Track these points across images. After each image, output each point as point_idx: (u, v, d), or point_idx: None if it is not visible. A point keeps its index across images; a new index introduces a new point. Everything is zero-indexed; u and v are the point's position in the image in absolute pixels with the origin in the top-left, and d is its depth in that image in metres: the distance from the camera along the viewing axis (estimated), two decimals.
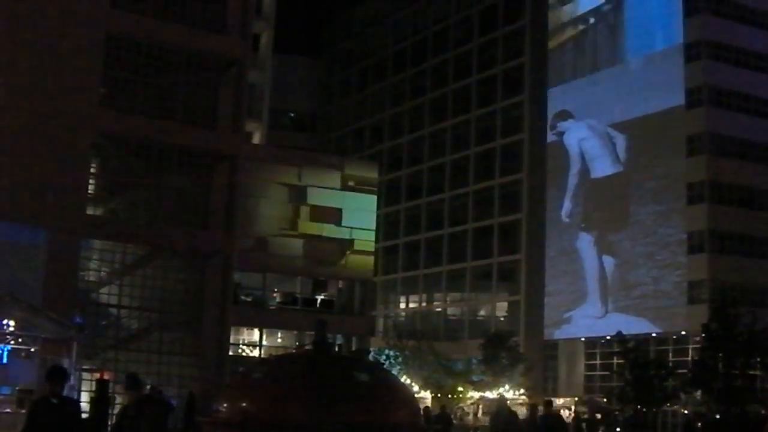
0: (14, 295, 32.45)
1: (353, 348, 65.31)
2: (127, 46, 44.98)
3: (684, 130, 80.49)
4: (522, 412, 50.17)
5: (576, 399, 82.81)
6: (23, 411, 25.80)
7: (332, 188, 65.89)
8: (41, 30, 42.47)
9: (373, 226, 69.07)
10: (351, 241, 66.11)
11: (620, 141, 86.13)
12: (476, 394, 78.38)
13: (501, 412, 31.51)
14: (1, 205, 39.64)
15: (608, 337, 77.24)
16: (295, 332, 65.64)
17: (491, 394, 74.46)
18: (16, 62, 41.73)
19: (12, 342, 32.46)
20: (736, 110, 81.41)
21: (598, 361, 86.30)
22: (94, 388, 37.12)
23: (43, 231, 40.50)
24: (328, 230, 65.42)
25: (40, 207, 40.92)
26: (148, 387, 24.88)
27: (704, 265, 77.77)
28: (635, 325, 78.03)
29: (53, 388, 13.80)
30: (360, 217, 66.77)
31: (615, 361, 72.75)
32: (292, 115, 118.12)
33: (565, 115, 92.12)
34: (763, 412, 59.64)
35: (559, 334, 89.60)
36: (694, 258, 78.20)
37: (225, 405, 13.30)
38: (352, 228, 66.27)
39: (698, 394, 63.79)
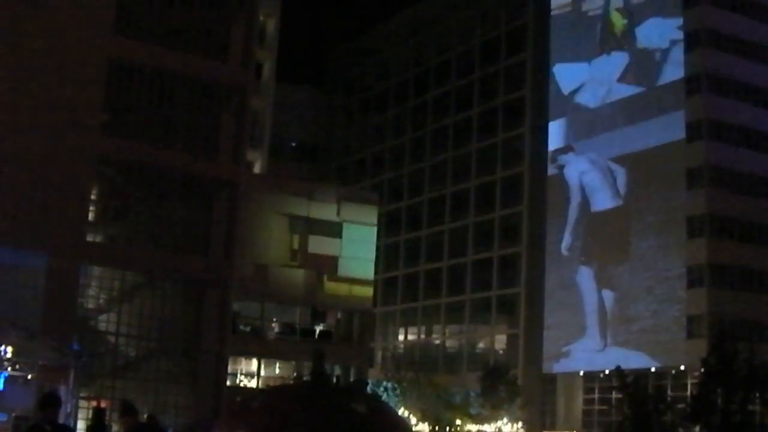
0: (12, 321, 32.39)
1: (351, 379, 65.06)
2: (130, 73, 45.11)
3: (684, 163, 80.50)
4: None
5: None
6: None
7: (332, 218, 65.87)
8: (44, 55, 42.58)
9: (373, 257, 68.96)
10: (349, 273, 65.98)
11: (620, 174, 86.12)
12: (474, 427, 78.02)
13: None
14: (1, 230, 39.60)
15: (607, 371, 76.95)
16: (294, 362, 65.41)
17: (489, 428, 74.14)
18: (18, 87, 41.80)
19: (9, 368, 32.37)
20: (736, 144, 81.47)
21: (596, 395, 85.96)
22: (90, 416, 36.94)
23: (42, 256, 40.46)
24: (328, 260, 65.31)
25: (40, 232, 40.90)
26: (146, 416, 24.75)
27: (704, 299, 77.60)
28: (634, 359, 77.79)
29: (47, 416, 13.69)
30: (360, 247, 66.70)
31: (614, 395, 72.47)
32: (294, 144, 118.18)
33: (565, 148, 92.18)
34: None
35: (557, 367, 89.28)
36: (693, 292, 78.02)
37: None
38: (351, 258, 66.19)
39: (697, 429, 63.45)
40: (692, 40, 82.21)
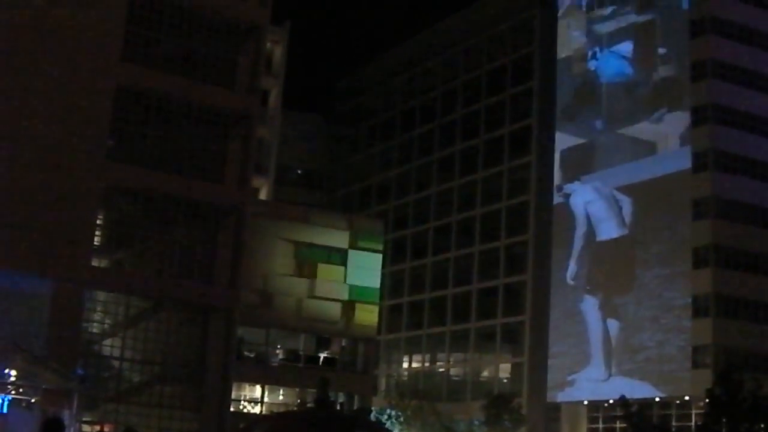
0: (17, 345, 32.44)
1: (355, 406, 64.95)
2: (137, 99, 45.30)
3: (690, 193, 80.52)
4: None
5: None
6: None
7: (338, 246, 65.95)
8: (51, 81, 42.79)
9: (378, 284, 68.97)
10: (355, 301, 66.00)
11: (626, 204, 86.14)
12: None
13: None
14: (8, 254, 39.71)
15: (611, 401, 76.75)
16: (297, 389, 65.34)
17: None
18: (26, 112, 41.99)
19: (13, 392, 32.39)
20: (742, 174, 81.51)
21: (601, 425, 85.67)
22: None
23: (48, 281, 40.54)
24: (333, 287, 65.34)
25: (46, 257, 41.01)
26: None
27: (709, 329, 77.44)
28: (639, 389, 77.60)
29: None
30: (365, 275, 66.74)
31: (618, 425, 72.25)
32: (299, 171, 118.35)
33: (571, 177, 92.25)
34: None
35: (562, 396, 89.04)
36: (698, 322, 77.88)
37: None
38: (356, 286, 66.22)
39: None
40: (698, 71, 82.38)
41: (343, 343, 68.25)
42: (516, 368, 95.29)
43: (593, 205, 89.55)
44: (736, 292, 78.60)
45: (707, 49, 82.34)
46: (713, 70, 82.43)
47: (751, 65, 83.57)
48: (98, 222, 45.10)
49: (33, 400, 32.70)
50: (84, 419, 40.00)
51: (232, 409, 52.83)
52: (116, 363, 46.14)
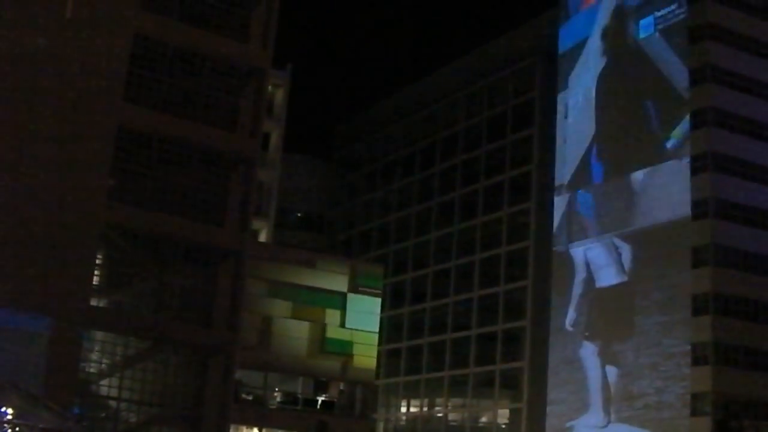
0: (14, 383, 32.38)
1: None
2: (139, 140, 45.53)
3: (690, 241, 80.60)
4: None
5: None
6: None
7: (337, 289, 66.04)
8: (54, 120, 43.01)
9: (377, 328, 68.96)
10: (354, 343, 65.97)
11: (626, 251, 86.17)
12: None
13: None
14: (6, 292, 39.74)
15: None
16: None
17: None
18: (27, 150, 42.18)
19: (9, 431, 32.27)
20: (742, 223, 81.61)
21: None
22: None
23: (46, 319, 40.52)
24: (332, 331, 65.34)
25: (45, 295, 41.02)
26: None
27: (708, 377, 77.24)
28: None
29: None
30: (364, 319, 66.76)
31: None
32: (299, 214, 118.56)
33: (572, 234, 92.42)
34: None
35: None
36: (697, 370, 77.67)
37: None
38: (355, 330, 66.23)
39: None
40: (698, 120, 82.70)
41: (342, 387, 68.17)
42: (514, 414, 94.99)
43: (592, 252, 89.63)
44: (736, 340, 78.47)
45: (708, 97, 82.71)
46: (713, 117, 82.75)
47: (751, 113, 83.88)
48: (98, 261, 45.17)
49: None
50: None
51: None
52: (114, 403, 46.08)
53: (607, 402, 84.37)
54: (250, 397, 63.97)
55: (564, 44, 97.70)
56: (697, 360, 77.98)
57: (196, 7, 48.84)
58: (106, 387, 45.99)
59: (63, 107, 43.56)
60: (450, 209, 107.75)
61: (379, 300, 69.02)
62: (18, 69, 43.11)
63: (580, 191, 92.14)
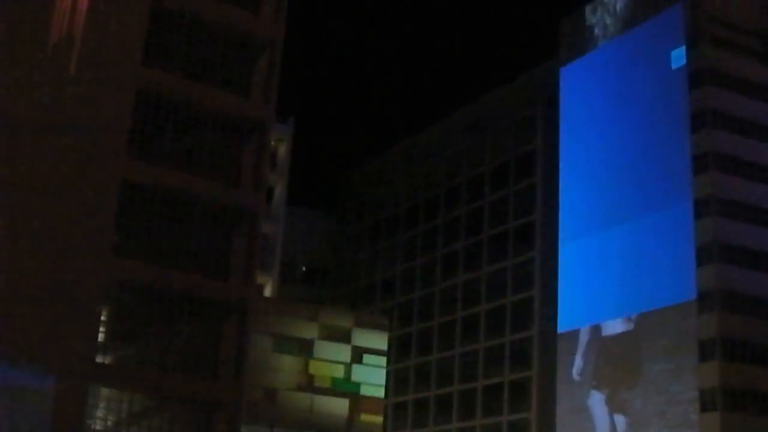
0: None
1: None
2: (142, 194, 45.55)
3: (696, 285, 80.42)
4: None
5: None
6: None
7: (342, 342, 65.86)
8: (56, 175, 43.15)
9: (383, 382, 68.65)
10: (360, 397, 65.66)
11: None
12: None
13: None
14: (10, 349, 39.65)
15: None
16: None
17: None
18: (30, 206, 42.27)
19: None
20: (747, 266, 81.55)
21: None
22: None
23: (50, 376, 40.38)
24: (338, 385, 65.07)
25: (49, 352, 40.92)
26: None
27: (717, 423, 76.85)
28: None
29: None
30: (370, 373, 66.50)
31: None
32: (304, 268, 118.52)
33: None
34: None
35: None
36: (706, 416, 77.29)
37: None
38: (361, 384, 65.97)
39: None
40: (700, 164, 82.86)
41: None
42: None
43: None
44: (744, 386, 78.17)
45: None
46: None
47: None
48: (102, 317, 45.04)
49: None
50: None
51: None
52: None
53: None
54: None
55: (565, 92, 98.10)
56: (706, 406, 77.64)
57: (198, 62, 49.04)
58: None
59: (66, 163, 43.70)
60: (454, 260, 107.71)
61: (384, 355, 68.71)
62: (20, 126, 43.31)
63: (582, 239, 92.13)
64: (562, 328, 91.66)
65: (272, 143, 66.69)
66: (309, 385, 64.32)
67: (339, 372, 65.41)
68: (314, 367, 64.57)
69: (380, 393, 67.64)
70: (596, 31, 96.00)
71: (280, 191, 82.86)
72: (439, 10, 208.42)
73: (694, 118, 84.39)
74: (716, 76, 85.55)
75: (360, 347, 66.35)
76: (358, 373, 65.67)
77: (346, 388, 65.26)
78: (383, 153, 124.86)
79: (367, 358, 66.45)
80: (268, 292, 78.91)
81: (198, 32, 49.10)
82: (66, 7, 44.98)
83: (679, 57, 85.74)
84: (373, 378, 66.66)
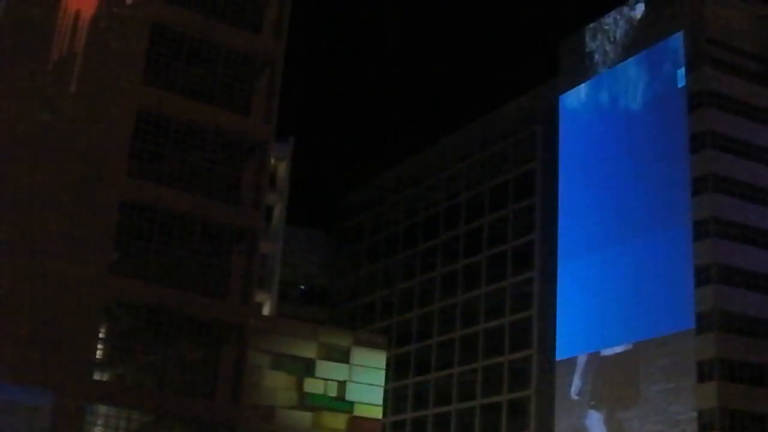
0: None
1: None
2: (141, 214, 45.67)
3: (694, 307, 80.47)
4: None
5: None
6: None
7: (340, 362, 65.80)
8: (55, 194, 43.30)
9: (381, 401, 68.52)
10: (358, 416, 65.59)
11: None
12: None
13: None
14: (8, 367, 39.72)
15: None
16: None
17: None
18: (29, 224, 42.39)
19: None
20: (746, 288, 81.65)
21: None
22: None
23: (49, 394, 40.46)
24: (336, 404, 64.99)
25: (47, 370, 41.00)
26: None
27: None
28: None
29: None
30: (367, 392, 66.41)
31: None
32: (303, 287, 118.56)
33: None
34: None
35: None
36: None
37: None
38: (359, 403, 65.90)
39: None
40: (700, 186, 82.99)
41: None
42: None
43: None
44: (742, 406, 78.13)
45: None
46: (714, 184, 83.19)
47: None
48: (100, 335, 45.11)
49: None
50: None
51: None
52: None
53: None
54: None
55: (564, 112, 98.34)
56: (704, 427, 77.58)
57: (199, 80, 49.24)
58: None
59: (66, 180, 43.85)
60: (453, 280, 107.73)
61: (383, 372, 68.65)
62: (21, 142, 43.46)
63: (581, 260, 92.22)
64: (560, 355, 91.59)
65: (272, 162, 66.79)
66: (302, 403, 64.26)
67: (333, 390, 65.34)
68: (312, 386, 64.51)
69: (378, 413, 67.51)
70: (596, 57, 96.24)
71: (279, 210, 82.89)
72: (439, 31, 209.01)
73: (693, 139, 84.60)
74: (715, 98, 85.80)
75: (359, 365, 66.26)
76: (355, 392, 65.56)
77: (341, 407, 65.15)
78: (382, 173, 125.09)
79: (365, 376, 66.34)
80: (266, 311, 78.88)
81: (198, 51, 49.32)
82: (67, 25, 45.19)
83: (683, 77, 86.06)
84: (370, 397, 66.54)
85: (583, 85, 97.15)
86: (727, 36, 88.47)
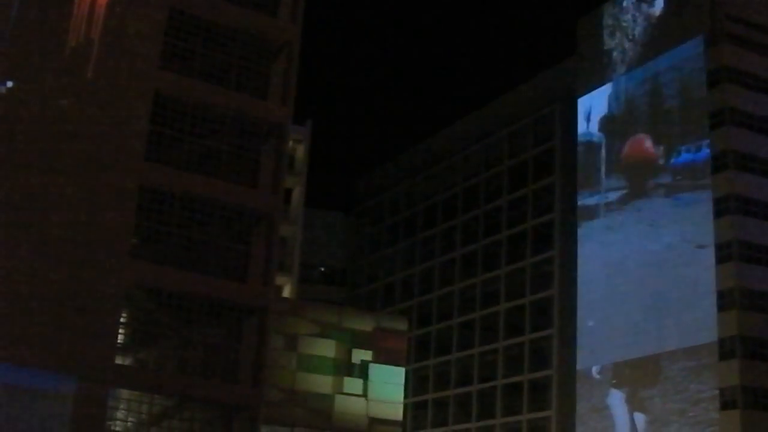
0: None
1: None
2: (160, 198, 45.75)
3: (715, 284, 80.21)
4: None
5: None
6: None
7: (362, 344, 65.90)
8: (75, 179, 43.39)
9: (403, 378, 68.43)
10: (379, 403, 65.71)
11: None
12: None
13: None
14: (30, 353, 39.91)
15: None
16: None
17: None
18: (50, 211, 42.53)
19: None
20: (766, 265, 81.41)
21: None
22: None
23: (71, 379, 40.64)
24: (357, 385, 65.13)
25: (69, 355, 41.18)
26: None
27: (737, 422, 76.65)
28: None
29: None
30: (390, 373, 66.48)
31: None
32: (322, 269, 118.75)
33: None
34: None
35: None
36: (726, 415, 77.09)
37: None
38: (380, 382, 65.98)
39: None
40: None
41: None
42: None
43: None
44: (764, 384, 77.94)
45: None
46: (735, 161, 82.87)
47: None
48: (122, 320, 45.26)
49: None
50: None
51: None
52: None
53: None
54: None
55: (583, 91, 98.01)
56: (726, 404, 77.44)
57: (216, 64, 49.24)
58: None
59: (85, 167, 43.96)
60: (473, 260, 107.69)
61: (402, 369, 68.41)
62: (40, 129, 43.56)
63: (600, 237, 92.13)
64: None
65: (290, 145, 66.80)
66: (328, 385, 64.35)
67: (360, 371, 65.42)
68: (334, 367, 64.60)
69: (399, 393, 67.49)
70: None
71: (298, 193, 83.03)
72: (456, 12, 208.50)
73: (712, 116, 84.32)
74: (734, 74, 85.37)
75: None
76: (378, 373, 65.69)
77: (365, 388, 65.27)
78: (400, 154, 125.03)
79: (383, 371, 66.21)
80: (286, 293, 79.09)
81: (215, 35, 49.29)
82: (83, 12, 45.21)
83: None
84: (391, 383, 66.54)
85: (600, 62, 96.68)
86: (746, 12, 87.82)
